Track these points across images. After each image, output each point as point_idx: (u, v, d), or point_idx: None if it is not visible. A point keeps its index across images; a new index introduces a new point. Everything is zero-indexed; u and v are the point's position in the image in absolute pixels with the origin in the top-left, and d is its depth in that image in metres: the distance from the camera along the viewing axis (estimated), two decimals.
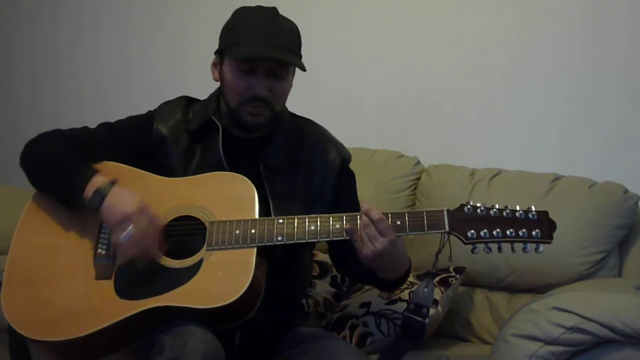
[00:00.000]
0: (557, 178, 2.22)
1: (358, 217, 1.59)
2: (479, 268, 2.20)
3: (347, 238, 1.59)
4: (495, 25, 2.50)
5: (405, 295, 2.01)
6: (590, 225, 2.12)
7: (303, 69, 1.70)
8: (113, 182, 1.63)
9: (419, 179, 2.41)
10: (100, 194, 1.61)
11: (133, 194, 1.62)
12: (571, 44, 2.41)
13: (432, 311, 1.97)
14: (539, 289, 2.10)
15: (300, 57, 1.73)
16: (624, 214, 2.14)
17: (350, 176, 1.89)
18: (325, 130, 1.89)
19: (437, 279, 2.07)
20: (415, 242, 2.29)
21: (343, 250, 1.68)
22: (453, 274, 2.11)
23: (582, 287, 1.98)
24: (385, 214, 1.58)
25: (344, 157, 1.86)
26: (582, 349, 1.65)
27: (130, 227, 1.57)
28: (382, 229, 1.55)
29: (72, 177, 1.64)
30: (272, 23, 1.70)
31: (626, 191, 2.15)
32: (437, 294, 2.03)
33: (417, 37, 2.60)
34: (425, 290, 1.63)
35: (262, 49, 1.66)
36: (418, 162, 2.44)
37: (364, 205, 1.57)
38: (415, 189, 2.40)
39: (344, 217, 1.60)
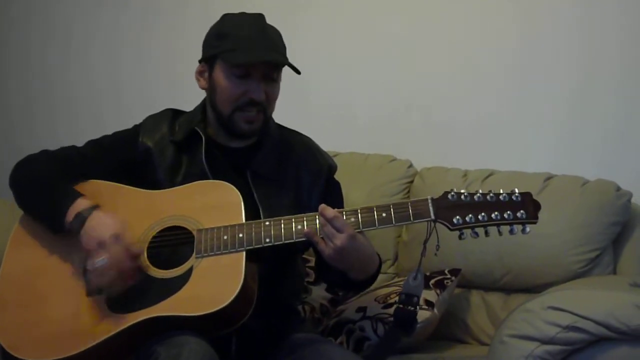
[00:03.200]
0: (549, 177, 2.23)
1: (316, 217, 1.59)
2: (475, 269, 2.20)
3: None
4: (488, 28, 2.50)
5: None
6: (584, 223, 2.12)
7: (298, 71, 1.71)
8: (95, 207, 1.63)
9: (412, 182, 2.41)
10: (80, 219, 1.61)
11: (113, 220, 1.61)
12: (564, 46, 2.40)
13: (428, 314, 1.97)
14: (535, 289, 2.10)
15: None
16: (617, 211, 2.14)
17: (336, 186, 1.90)
18: (312, 141, 1.90)
19: (432, 281, 2.07)
20: (410, 244, 2.30)
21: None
22: (448, 276, 2.11)
23: (577, 286, 1.99)
24: (370, 208, 1.59)
25: (330, 165, 1.87)
26: (578, 347, 1.65)
27: (103, 257, 1.56)
28: (338, 226, 1.56)
29: (55, 202, 1.65)
30: (261, 29, 1.72)
31: (618, 188, 2.16)
32: (433, 296, 2.03)
33: (408, 41, 2.60)
34: (415, 280, 1.65)
35: (260, 53, 1.67)
36: (411, 165, 2.45)
37: (319, 207, 1.58)
38: (408, 192, 2.40)
39: None
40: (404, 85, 2.61)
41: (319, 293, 2.20)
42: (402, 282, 2.09)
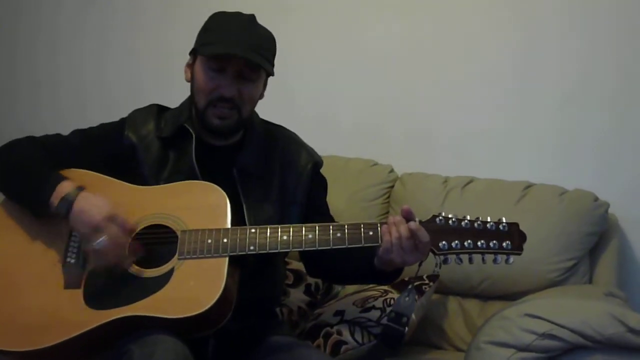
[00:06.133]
0: (528, 186, 2.25)
1: (303, 228, 1.59)
2: (453, 276, 2.21)
3: (320, 249, 1.59)
4: (471, 38, 2.52)
5: (379, 303, 2.01)
6: (561, 232, 2.14)
7: (271, 72, 1.72)
8: (80, 189, 1.61)
9: (392, 187, 2.41)
10: (67, 202, 1.59)
11: (101, 200, 1.60)
12: (547, 57, 2.42)
13: None
14: (512, 296, 2.11)
15: (272, 65, 1.74)
16: (595, 221, 2.16)
17: (322, 181, 1.91)
18: (297, 136, 1.91)
19: (410, 286, 2.08)
20: None
21: (315, 253, 1.66)
22: (427, 281, 2.11)
23: (553, 294, 2.00)
24: (357, 224, 1.59)
25: (316, 161, 1.88)
26: (553, 355, 1.67)
27: (101, 238, 1.56)
28: (421, 235, 1.56)
29: (39, 184, 1.63)
30: (247, 27, 1.71)
31: (596, 199, 2.18)
32: None
33: (390, 48, 2.61)
34: (407, 299, 1.66)
35: (233, 47, 1.66)
36: (392, 171, 2.45)
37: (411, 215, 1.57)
38: (389, 197, 2.40)
39: (317, 227, 1.60)
40: (387, 92, 2.62)
41: (296, 296, 2.20)
42: (379, 287, 2.11)
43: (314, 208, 1.84)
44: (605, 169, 2.35)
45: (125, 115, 1.85)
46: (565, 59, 2.40)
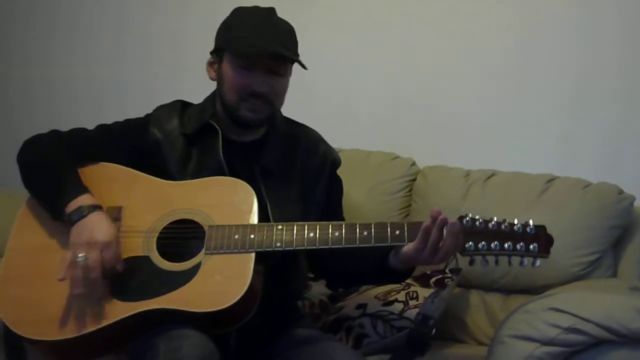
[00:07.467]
0: (551, 179, 2.23)
1: (329, 226, 1.58)
2: (475, 269, 2.18)
3: (346, 246, 1.58)
4: (490, 27, 2.51)
5: (401, 296, 2.01)
6: (585, 226, 2.12)
7: (304, 66, 1.72)
8: (97, 207, 1.62)
9: (414, 180, 2.40)
10: (80, 212, 1.60)
11: (110, 227, 1.60)
12: (566, 47, 2.41)
13: None
14: (534, 290, 2.10)
15: (298, 56, 1.75)
16: (619, 214, 2.14)
17: (339, 181, 1.91)
18: (318, 133, 1.91)
19: (433, 280, 2.08)
20: None
21: (325, 252, 1.64)
22: (449, 275, 2.11)
23: (577, 288, 1.99)
24: (383, 224, 1.58)
25: (334, 159, 1.88)
26: (578, 349, 1.66)
27: (82, 255, 1.54)
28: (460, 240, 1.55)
29: (60, 189, 1.64)
30: (271, 22, 1.72)
31: (621, 192, 2.16)
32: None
33: (411, 39, 2.60)
34: (433, 303, 1.65)
35: (264, 44, 1.68)
36: (414, 164, 2.44)
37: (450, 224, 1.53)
38: (410, 190, 2.40)
39: (343, 226, 1.60)
40: (408, 84, 2.61)
41: (318, 289, 2.20)
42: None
43: (331, 209, 1.85)
44: (631, 162, 2.33)
45: (140, 113, 1.86)
46: (586, 48, 2.39)
